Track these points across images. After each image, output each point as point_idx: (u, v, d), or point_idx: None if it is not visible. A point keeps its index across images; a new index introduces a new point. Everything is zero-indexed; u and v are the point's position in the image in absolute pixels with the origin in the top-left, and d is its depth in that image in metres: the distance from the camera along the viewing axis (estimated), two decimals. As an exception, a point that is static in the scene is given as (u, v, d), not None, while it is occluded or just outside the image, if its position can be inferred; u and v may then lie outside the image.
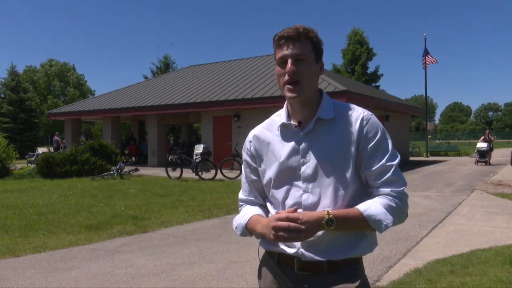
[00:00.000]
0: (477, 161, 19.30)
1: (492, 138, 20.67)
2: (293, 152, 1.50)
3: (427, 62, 26.32)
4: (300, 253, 1.46)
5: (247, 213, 1.59)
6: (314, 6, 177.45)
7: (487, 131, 21.56)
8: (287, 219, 1.36)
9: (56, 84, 58.93)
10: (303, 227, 1.35)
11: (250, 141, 1.63)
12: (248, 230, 1.56)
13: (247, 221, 1.56)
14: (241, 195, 1.69)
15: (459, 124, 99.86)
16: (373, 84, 38.69)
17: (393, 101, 20.30)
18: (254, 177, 1.64)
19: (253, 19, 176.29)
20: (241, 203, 1.69)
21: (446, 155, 27.66)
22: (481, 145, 19.29)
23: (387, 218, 1.41)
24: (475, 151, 19.65)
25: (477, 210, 7.78)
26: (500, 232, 6.02)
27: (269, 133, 1.59)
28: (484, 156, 19.11)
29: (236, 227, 1.62)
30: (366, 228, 1.44)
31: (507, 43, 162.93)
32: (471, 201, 8.92)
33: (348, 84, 17.82)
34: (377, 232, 1.49)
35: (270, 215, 1.59)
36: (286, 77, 1.45)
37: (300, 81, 1.44)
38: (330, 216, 1.37)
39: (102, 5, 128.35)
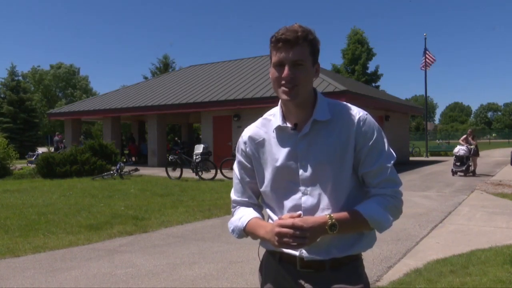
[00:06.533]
0: (454, 171, 13.96)
1: (473, 142, 14.61)
2: (291, 155, 1.49)
3: (427, 62, 26.25)
4: (302, 253, 1.47)
5: (244, 215, 1.57)
6: (314, 6, 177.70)
7: (469, 130, 15.50)
8: (292, 227, 1.34)
9: (63, 87, 58.57)
10: (308, 234, 1.35)
11: (245, 143, 1.59)
12: (246, 233, 1.55)
13: (245, 225, 1.54)
14: (234, 196, 1.65)
15: (459, 124, 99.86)
16: (373, 84, 38.61)
17: (393, 101, 20.31)
18: (249, 178, 1.61)
19: (253, 18, 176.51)
20: (234, 205, 1.66)
21: (446, 155, 27.65)
22: (458, 148, 14.24)
23: (387, 219, 1.45)
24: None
25: (477, 210, 7.78)
26: (500, 232, 6.02)
27: (264, 134, 1.56)
28: (462, 163, 13.85)
29: (232, 230, 1.59)
30: (366, 228, 1.46)
31: (507, 43, 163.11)
32: (471, 201, 8.91)
33: (348, 84, 17.83)
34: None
35: (267, 217, 1.59)
36: (283, 82, 1.42)
37: (297, 85, 1.42)
38: (333, 220, 1.38)
39: (101, 5, 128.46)
